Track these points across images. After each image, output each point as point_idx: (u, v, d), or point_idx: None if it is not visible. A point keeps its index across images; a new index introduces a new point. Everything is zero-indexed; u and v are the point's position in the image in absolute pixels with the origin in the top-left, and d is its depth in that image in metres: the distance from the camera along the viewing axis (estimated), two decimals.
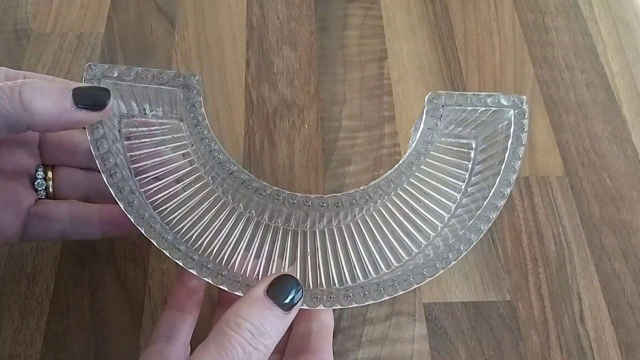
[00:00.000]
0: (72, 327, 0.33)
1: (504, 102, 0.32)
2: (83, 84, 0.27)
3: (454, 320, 0.34)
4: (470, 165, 0.32)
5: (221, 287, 0.27)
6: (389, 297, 0.28)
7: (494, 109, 0.32)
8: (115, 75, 0.29)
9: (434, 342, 0.33)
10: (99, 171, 0.28)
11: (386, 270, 0.29)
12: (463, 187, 0.32)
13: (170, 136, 0.31)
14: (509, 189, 0.30)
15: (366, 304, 0.27)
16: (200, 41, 0.44)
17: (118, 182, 0.27)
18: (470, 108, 0.31)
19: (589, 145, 0.41)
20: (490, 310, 0.34)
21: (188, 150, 0.31)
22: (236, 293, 0.27)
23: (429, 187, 0.32)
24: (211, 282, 0.27)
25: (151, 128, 0.31)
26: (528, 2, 0.48)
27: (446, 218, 0.31)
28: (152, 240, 0.27)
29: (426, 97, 0.32)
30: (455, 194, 0.32)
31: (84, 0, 0.46)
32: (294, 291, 0.25)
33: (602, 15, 0.47)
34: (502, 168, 0.31)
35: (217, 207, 0.30)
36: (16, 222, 0.29)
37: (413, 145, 0.31)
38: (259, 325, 0.24)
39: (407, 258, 0.30)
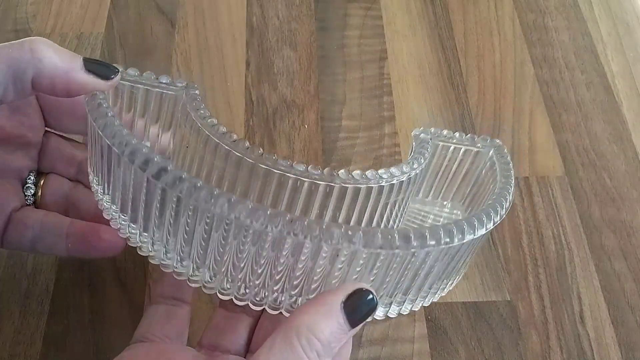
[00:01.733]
0: (72, 327, 0.33)
1: (481, 142, 0.31)
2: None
3: (454, 320, 0.34)
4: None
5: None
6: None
7: (474, 150, 0.31)
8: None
9: (434, 342, 0.33)
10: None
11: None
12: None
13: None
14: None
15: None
16: (200, 41, 0.44)
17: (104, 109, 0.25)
18: (450, 144, 0.31)
19: (589, 145, 0.41)
20: (490, 310, 0.34)
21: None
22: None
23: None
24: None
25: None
26: (528, 2, 0.48)
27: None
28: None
29: (412, 133, 0.31)
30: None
31: (84, 0, 0.46)
32: (369, 306, 0.23)
33: (602, 15, 0.47)
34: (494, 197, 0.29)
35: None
36: None
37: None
38: (328, 344, 0.22)
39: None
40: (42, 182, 0.31)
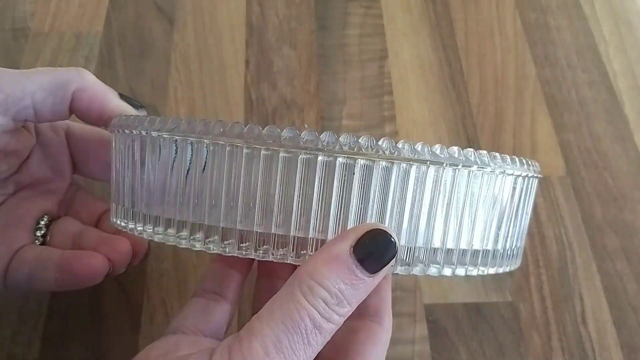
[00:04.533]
0: (70, 328, 0.32)
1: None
2: None
3: (455, 321, 0.34)
4: None
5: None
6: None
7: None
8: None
9: (434, 344, 0.33)
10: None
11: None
12: None
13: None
14: None
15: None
16: (199, 40, 0.44)
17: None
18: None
19: (590, 145, 0.40)
20: (491, 311, 0.34)
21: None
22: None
23: None
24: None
25: None
26: (530, 1, 0.47)
27: None
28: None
29: None
30: None
31: None
32: (386, 249, 0.21)
33: (603, 14, 0.47)
34: None
35: None
36: (2, 263, 0.28)
37: None
38: (337, 292, 0.20)
39: None
40: (53, 224, 0.31)
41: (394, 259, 0.21)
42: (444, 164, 0.22)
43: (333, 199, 0.22)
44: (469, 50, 0.44)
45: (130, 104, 0.28)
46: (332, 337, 0.25)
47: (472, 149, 0.22)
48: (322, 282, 0.20)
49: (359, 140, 0.21)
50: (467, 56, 0.44)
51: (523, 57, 0.44)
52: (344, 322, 0.23)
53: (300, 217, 0.22)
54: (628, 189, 0.39)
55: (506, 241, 0.26)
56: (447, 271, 0.24)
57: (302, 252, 0.22)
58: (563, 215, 0.37)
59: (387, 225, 0.22)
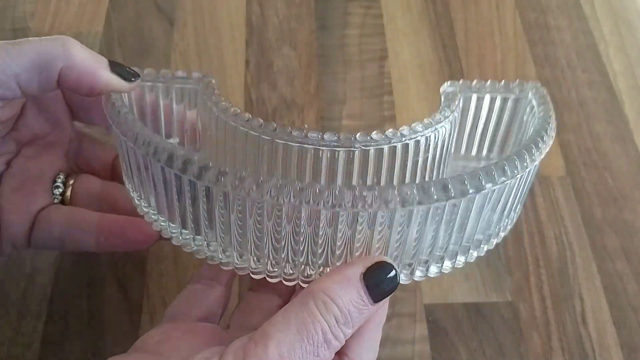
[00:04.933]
0: (70, 329, 0.32)
1: (517, 86, 0.29)
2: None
3: (455, 321, 0.34)
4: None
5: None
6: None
7: (512, 97, 0.29)
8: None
9: (434, 344, 0.33)
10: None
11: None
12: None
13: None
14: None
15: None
16: (199, 40, 0.44)
17: (125, 113, 0.25)
18: (486, 95, 0.29)
19: (590, 145, 0.40)
20: (491, 311, 0.34)
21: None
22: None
23: None
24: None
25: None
26: (529, 1, 0.47)
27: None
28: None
29: (441, 89, 0.29)
30: None
31: None
32: (391, 282, 0.23)
33: (603, 14, 0.47)
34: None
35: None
36: (24, 224, 0.29)
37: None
38: (346, 311, 0.22)
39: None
40: (72, 181, 0.31)
41: (393, 291, 0.23)
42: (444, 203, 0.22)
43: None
44: (469, 50, 0.44)
45: (123, 76, 0.27)
46: None
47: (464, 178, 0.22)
48: (335, 300, 0.21)
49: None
50: (467, 56, 0.44)
51: (523, 57, 0.44)
52: None
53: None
54: (628, 189, 0.39)
55: (498, 232, 0.26)
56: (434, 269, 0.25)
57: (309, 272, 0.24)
58: (563, 215, 0.37)
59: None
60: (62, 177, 0.31)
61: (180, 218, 0.25)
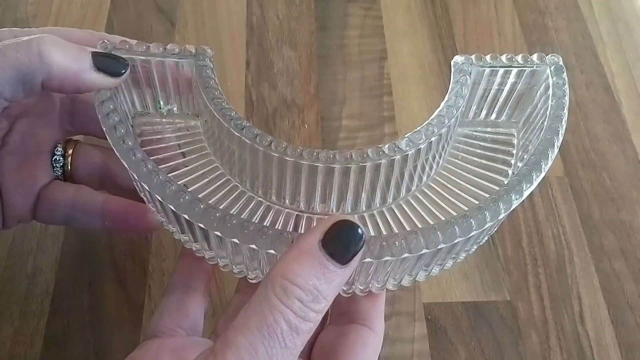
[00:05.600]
0: (72, 328, 0.33)
1: (537, 60, 0.28)
2: (100, 50, 0.26)
3: (454, 320, 0.34)
4: (513, 161, 0.29)
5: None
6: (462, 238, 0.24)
7: (528, 69, 0.28)
8: (127, 48, 0.27)
9: (433, 342, 0.33)
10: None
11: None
12: (510, 172, 0.29)
13: (186, 130, 0.29)
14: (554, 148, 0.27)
15: (442, 246, 0.24)
16: (200, 41, 0.44)
17: (121, 136, 0.24)
18: (500, 68, 0.27)
19: (588, 146, 0.41)
20: (490, 310, 0.34)
21: (204, 144, 0.29)
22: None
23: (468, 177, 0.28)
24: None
25: (165, 126, 0.30)
26: (528, 2, 0.48)
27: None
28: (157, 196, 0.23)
29: (452, 61, 0.28)
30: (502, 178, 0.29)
31: (84, 0, 0.46)
32: (355, 239, 0.20)
33: (602, 15, 0.47)
34: (543, 132, 0.26)
35: (233, 195, 0.28)
36: (27, 202, 0.29)
37: (436, 112, 0.27)
38: (311, 287, 0.20)
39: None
40: (70, 151, 0.31)
41: (363, 247, 0.21)
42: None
43: None
44: (468, 51, 0.45)
45: (109, 72, 0.25)
46: (322, 340, 0.25)
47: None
48: (295, 280, 0.20)
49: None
50: None
51: None
52: (334, 327, 0.23)
53: None
54: (626, 189, 0.39)
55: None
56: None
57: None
58: (561, 215, 0.38)
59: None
60: (60, 149, 0.30)
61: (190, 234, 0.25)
